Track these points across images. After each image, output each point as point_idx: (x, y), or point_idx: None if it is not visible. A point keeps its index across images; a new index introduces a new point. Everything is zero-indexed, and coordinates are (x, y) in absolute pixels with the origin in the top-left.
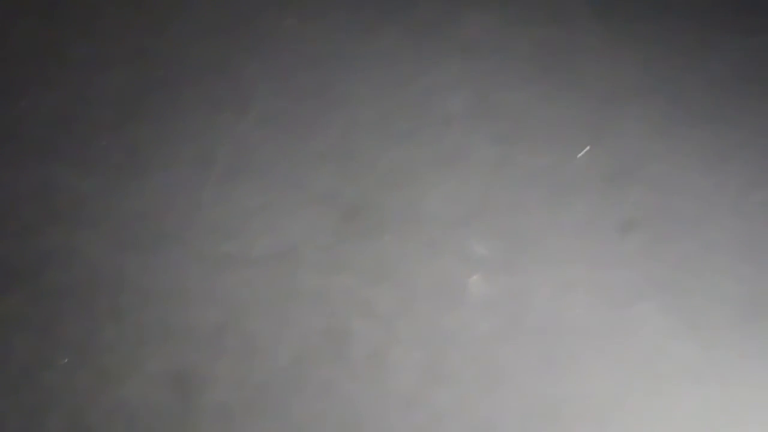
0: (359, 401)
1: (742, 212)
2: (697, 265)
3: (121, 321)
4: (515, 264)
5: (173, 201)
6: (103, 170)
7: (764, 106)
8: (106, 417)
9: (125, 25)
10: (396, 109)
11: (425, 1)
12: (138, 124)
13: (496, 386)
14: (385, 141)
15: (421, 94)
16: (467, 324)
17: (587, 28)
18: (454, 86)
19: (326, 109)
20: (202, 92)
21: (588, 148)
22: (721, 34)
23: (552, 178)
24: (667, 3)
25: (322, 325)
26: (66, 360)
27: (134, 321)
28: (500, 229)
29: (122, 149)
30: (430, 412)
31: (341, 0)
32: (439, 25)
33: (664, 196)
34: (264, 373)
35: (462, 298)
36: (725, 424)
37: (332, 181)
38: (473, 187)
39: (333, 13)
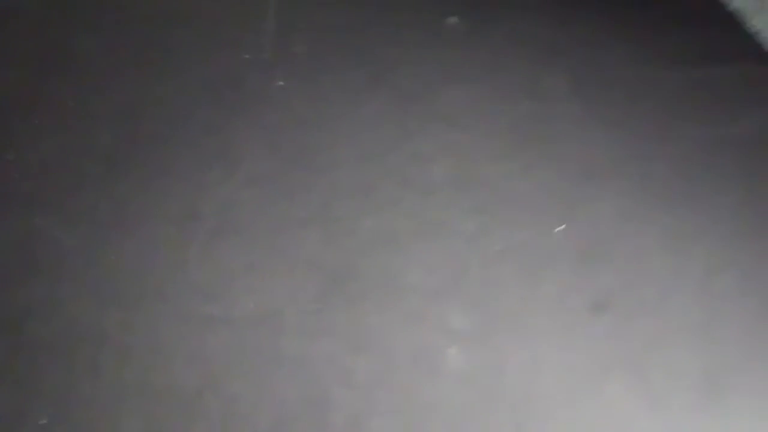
0: None
1: (702, 299)
2: (660, 347)
3: (99, 377)
4: (490, 338)
5: (157, 258)
6: (88, 224)
7: (721, 197)
8: None
9: (116, 80)
10: (379, 176)
11: (410, 73)
12: (125, 180)
13: None
14: (367, 207)
15: (404, 162)
16: (444, 396)
17: (564, 106)
18: (435, 156)
19: (311, 173)
20: (190, 150)
21: (564, 225)
22: (683, 124)
23: (527, 253)
24: (636, 89)
25: (302, 392)
26: (45, 421)
27: (113, 378)
28: (477, 302)
29: (108, 204)
30: None
31: (330, 65)
32: (422, 96)
33: (630, 279)
34: None
35: (439, 369)
36: None
37: (315, 246)
38: (452, 259)
39: (321, 78)
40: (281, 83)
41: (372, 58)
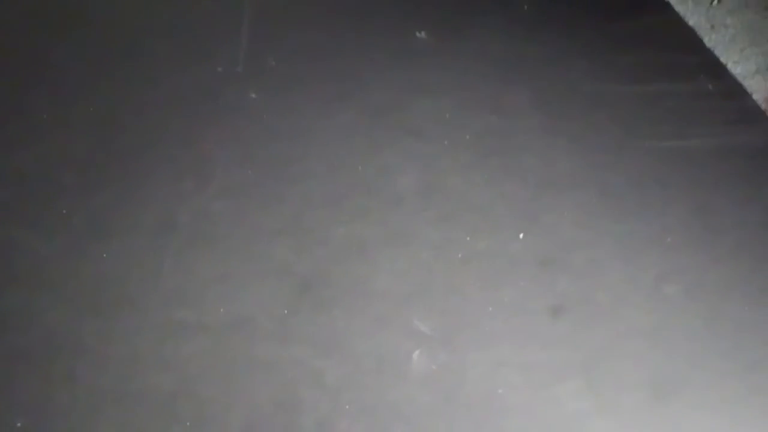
0: None
1: (650, 305)
2: (612, 351)
3: (76, 385)
4: (453, 341)
5: (133, 267)
6: (65, 234)
7: (671, 207)
8: None
9: (91, 92)
10: (349, 186)
11: (380, 85)
12: (101, 190)
13: None
14: (337, 217)
15: (373, 173)
16: (408, 397)
17: (526, 120)
18: (403, 168)
19: (283, 184)
20: (165, 162)
21: (522, 234)
22: (638, 137)
23: (489, 260)
24: (595, 104)
25: (272, 395)
26: (19, 424)
27: (89, 385)
28: (441, 308)
29: (84, 214)
30: None
31: (301, 79)
32: (391, 108)
33: (585, 286)
34: None
35: (404, 372)
36: None
37: (286, 255)
38: (418, 266)
39: (293, 91)
40: (254, 96)
41: (343, 72)
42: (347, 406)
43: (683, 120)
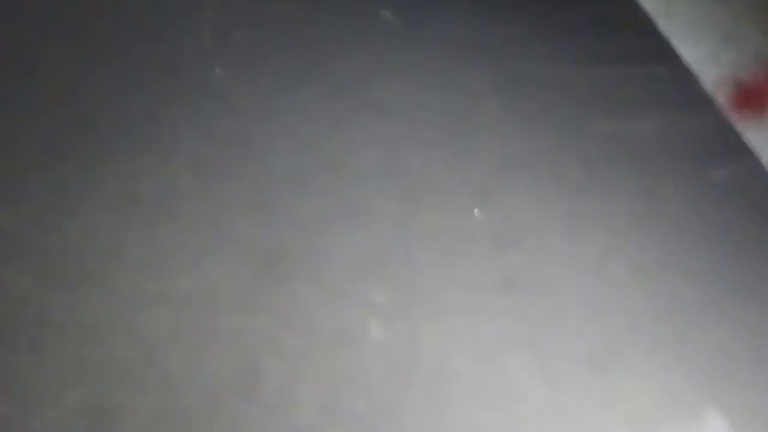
0: None
1: (595, 280)
2: (556, 324)
3: (41, 354)
4: (408, 313)
5: (97, 241)
6: (29, 209)
7: (621, 186)
8: None
9: (52, 65)
10: (312, 162)
11: (343, 63)
12: (65, 166)
13: (386, 424)
14: (300, 192)
15: (336, 150)
16: (364, 366)
17: (486, 101)
18: (366, 145)
19: (247, 159)
20: (129, 137)
21: (477, 210)
22: (593, 120)
23: (446, 237)
24: (552, 87)
25: (234, 364)
26: None
27: (54, 354)
28: (398, 281)
29: (48, 187)
30: None
31: (267, 55)
32: (355, 87)
33: (535, 260)
34: (179, 408)
35: (361, 342)
36: None
37: (250, 229)
38: (378, 241)
39: (258, 67)
40: (219, 70)
41: (308, 49)
42: (306, 374)
43: (635, 103)
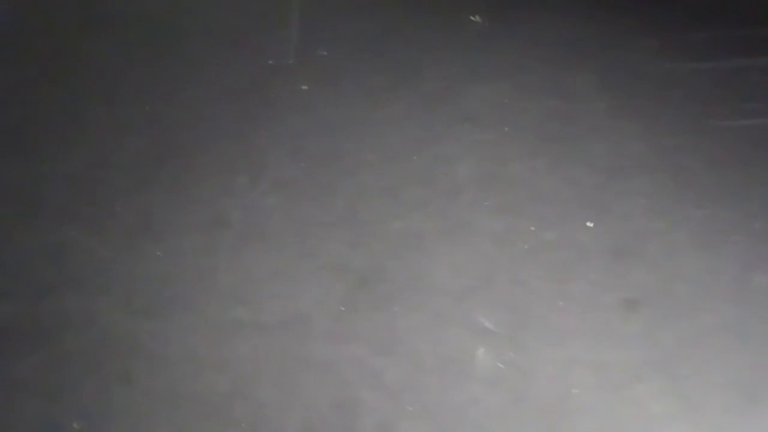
0: None
1: (738, 297)
2: (693, 350)
3: (131, 386)
4: (520, 339)
5: (186, 266)
6: (118, 234)
7: (757, 190)
8: None
9: (142, 91)
10: (405, 177)
11: (434, 73)
12: (152, 189)
13: None
14: (394, 210)
15: (430, 163)
16: (473, 398)
17: (590, 103)
18: (461, 156)
19: (337, 177)
20: (216, 158)
21: (592, 223)
22: (717, 116)
23: (556, 252)
24: (664, 84)
25: (330, 396)
26: (76, 425)
27: (145, 387)
28: (506, 303)
29: (137, 213)
30: None
31: (353, 69)
32: (446, 96)
33: (663, 277)
34: None
35: (468, 371)
36: None
37: (342, 250)
38: (479, 259)
39: (344, 82)
40: (305, 87)
41: (394, 60)
42: (409, 408)
43: (762, 97)
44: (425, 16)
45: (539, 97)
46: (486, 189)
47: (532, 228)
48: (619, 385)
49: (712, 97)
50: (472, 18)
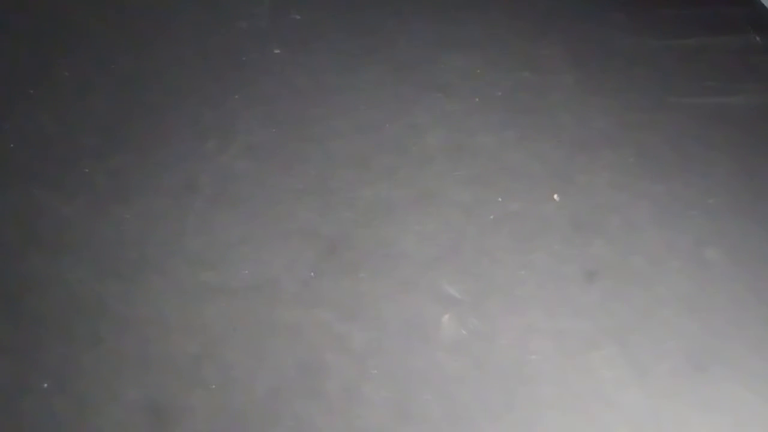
0: None
1: (690, 270)
2: (646, 320)
3: (99, 347)
4: (483, 306)
5: (155, 229)
6: (86, 196)
7: (714, 167)
8: None
9: (113, 52)
10: (375, 146)
11: (406, 42)
12: (122, 151)
13: (459, 427)
14: (363, 178)
15: (400, 132)
16: (436, 363)
17: (560, 77)
18: (431, 126)
19: (307, 143)
20: (186, 120)
21: (557, 195)
22: (678, 93)
23: (521, 222)
24: (632, 60)
25: (297, 359)
26: (46, 385)
27: (112, 349)
28: (471, 271)
29: (105, 175)
30: None
31: (326, 33)
32: (419, 65)
33: (621, 250)
34: (240, 405)
35: (433, 337)
36: None
37: (311, 216)
38: (446, 228)
39: (317, 46)
40: (277, 51)
41: (368, 27)
42: (374, 371)
43: (727, 76)
44: None
45: (509, 69)
46: (455, 159)
47: (499, 199)
48: (575, 352)
49: (674, 74)
50: None
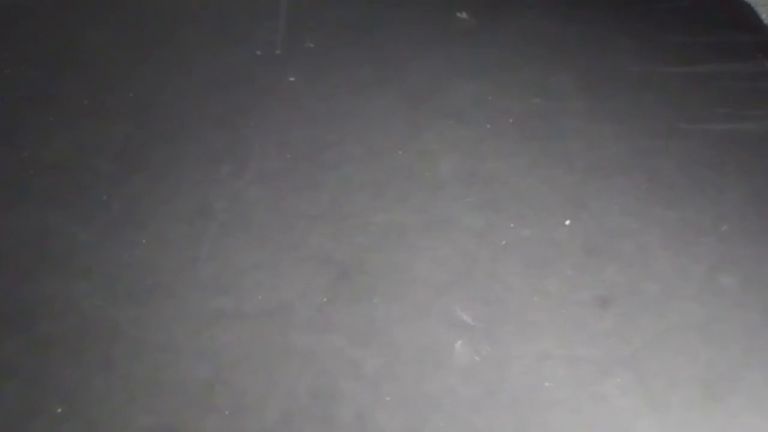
0: None
1: (703, 297)
2: (660, 347)
3: (112, 372)
4: (496, 332)
5: (169, 254)
6: (101, 221)
7: (726, 193)
8: None
9: (127, 77)
10: (388, 171)
11: (419, 68)
12: (137, 177)
13: None
14: (376, 203)
15: (413, 158)
16: (449, 389)
17: (571, 103)
18: (444, 152)
19: (321, 169)
20: (201, 147)
21: (569, 221)
22: (689, 120)
23: (533, 248)
24: (642, 86)
25: (310, 385)
26: (60, 410)
27: (125, 374)
28: (483, 297)
29: (121, 201)
30: None
31: (340, 61)
32: (431, 92)
33: (634, 276)
34: (252, 431)
35: (445, 362)
36: None
37: (325, 242)
38: (459, 254)
39: (331, 74)
40: (292, 79)
41: (381, 54)
42: (387, 398)
43: (738, 102)
44: (413, 11)
45: (521, 95)
46: (467, 185)
47: (511, 225)
48: (588, 379)
49: (684, 101)
50: (458, 15)
